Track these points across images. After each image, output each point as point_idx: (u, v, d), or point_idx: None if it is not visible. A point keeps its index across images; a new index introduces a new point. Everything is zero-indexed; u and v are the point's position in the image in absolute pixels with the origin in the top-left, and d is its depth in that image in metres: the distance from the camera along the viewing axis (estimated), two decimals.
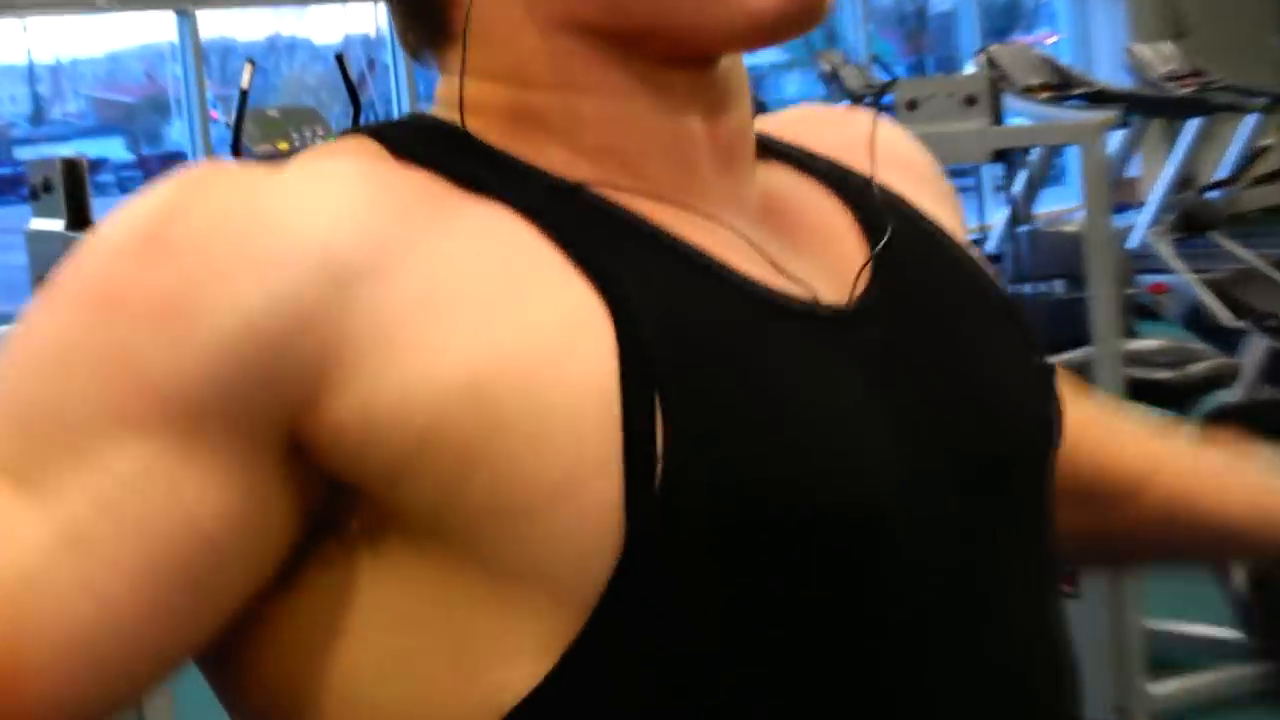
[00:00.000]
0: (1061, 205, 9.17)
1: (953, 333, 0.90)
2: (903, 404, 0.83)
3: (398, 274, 0.75)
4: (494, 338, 0.74)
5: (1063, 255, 4.97)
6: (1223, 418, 3.89)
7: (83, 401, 0.73)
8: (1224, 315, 5.14)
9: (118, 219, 0.76)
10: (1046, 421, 0.92)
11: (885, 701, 0.79)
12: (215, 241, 0.74)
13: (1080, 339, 3.36)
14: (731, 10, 0.80)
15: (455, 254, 0.77)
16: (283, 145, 5.97)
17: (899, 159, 1.00)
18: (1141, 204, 7.62)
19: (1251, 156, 7.49)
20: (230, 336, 0.72)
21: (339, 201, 0.77)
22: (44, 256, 3.30)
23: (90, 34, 10.48)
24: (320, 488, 0.76)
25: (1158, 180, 7.67)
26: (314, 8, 10.47)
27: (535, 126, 0.84)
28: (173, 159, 11.91)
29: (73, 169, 3.29)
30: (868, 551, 0.79)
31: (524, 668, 0.73)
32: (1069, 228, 7.50)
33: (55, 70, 12.98)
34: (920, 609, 0.80)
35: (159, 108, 12.12)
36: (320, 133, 6.11)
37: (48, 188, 3.31)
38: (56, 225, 3.29)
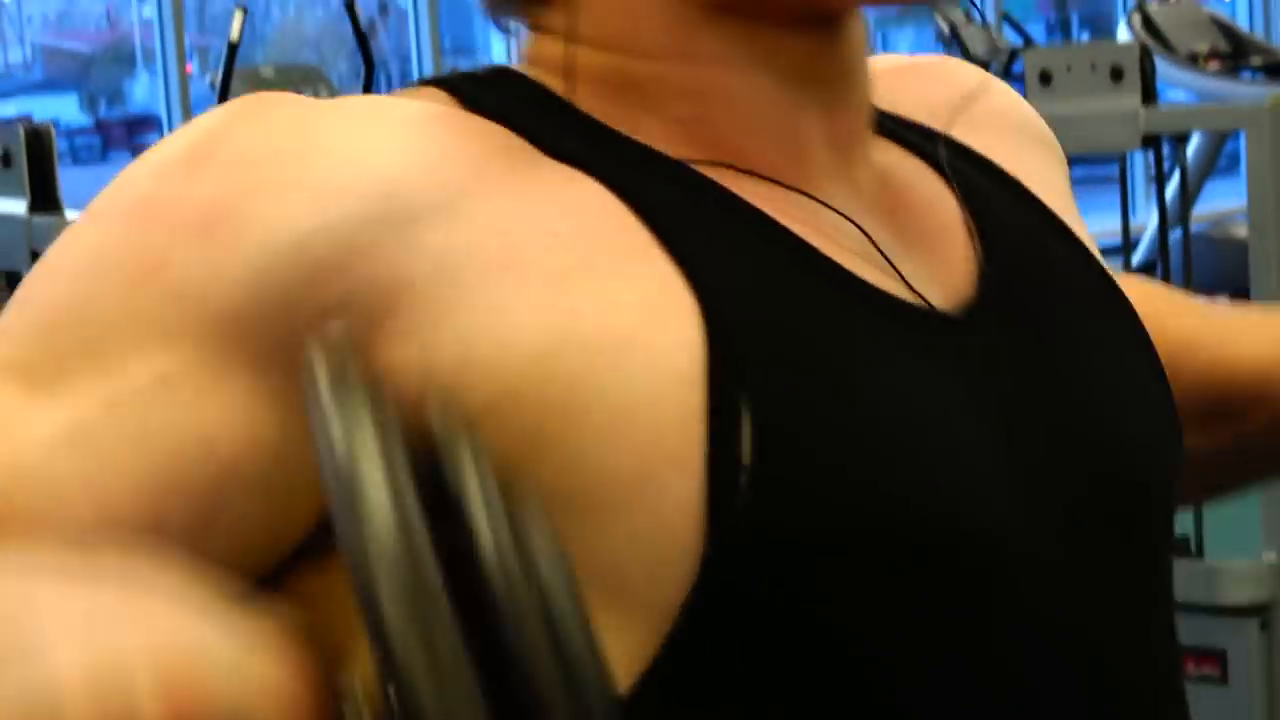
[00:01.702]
0: (1228, 204, 9.05)
1: (1067, 345, 0.97)
2: (1011, 423, 0.90)
3: (466, 223, 0.83)
4: (569, 306, 0.81)
5: (1229, 265, 4.97)
6: None
7: (111, 307, 0.81)
8: None
9: (166, 139, 0.87)
10: (1166, 447, 0.99)
11: None
12: (268, 161, 0.83)
13: None
14: None
15: (529, 214, 0.84)
16: None
17: (1006, 122, 1.09)
18: None
19: None
20: (274, 254, 0.80)
21: (408, 139, 0.85)
22: (5, 250, 3.40)
23: None
24: None
25: None
26: None
27: (635, 96, 0.91)
28: (139, 123, 11.83)
29: (38, 137, 3.38)
30: (967, 571, 0.85)
31: None
32: (1238, 231, 7.35)
33: None
34: (1020, 641, 0.87)
35: (122, 60, 12.06)
36: (324, 95, 6.24)
37: (6, 160, 3.40)
38: (17, 207, 3.37)
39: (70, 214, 3.38)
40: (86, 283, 0.83)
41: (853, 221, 0.91)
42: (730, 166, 0.90)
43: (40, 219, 3.36)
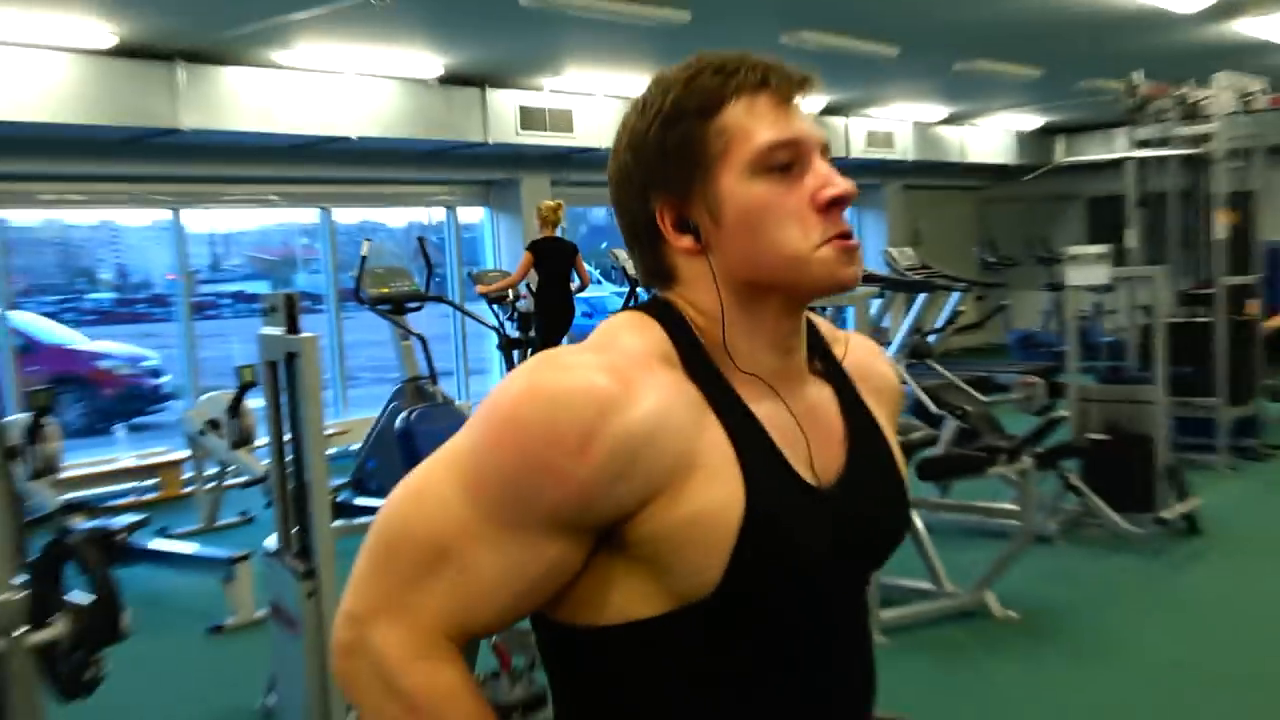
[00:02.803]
0: None
1: (876, 493, 1.03)
2: (840, 532, 0.98)
3: (690, 443, 0.90)
4: (705, 498, 0.90)
5: None
6: (930, 465, 4.74)
7: (521, 507, 0.90)
8: (932, 407, 6.06)
9: (540, 393, 0.89)
10: (901, 531, 1.07)
11: (803, 671, 0.98)
12: (611, 454, 0.88)
13: None
14: (827, 276, 0.94)
15: (704, 449, 0.91)
16: (384, 289, 6.29)
17: (868, 373, 1.09)
18: (889, 343, 7.52)
19: (953, 317, 7.87)
20: (589, 495, 0.89)
21: (670, 395, 0.91)
22: (271, 350, 3.44)
23: (247, 217, 10.85)
24: (596, 542, 0.93)
25: (900, 329, 7.60)
26: (390, 208, 10.44)
27: (715, 342, 0.97)
28: (302, 296, 11.94)
29: (290, 299, 3.39)
30: (810, 580, 0.97)
31: (646, 608, 0.94)
32: None
33: (226, 238, 13.59)
34: (827, 627, 1.00)
35: (290, 264, 12.53)
36: (407, 284, 6.39)
37: (274, 309, 3.44)
38: (279, 331, 3.39)
39: (304, 333, 3.27)
40: (502, 489, 0.90)
41: (801, 429, 0.98)
42: (763, 379, 0.98)
43: (290, 337, 3.31)
